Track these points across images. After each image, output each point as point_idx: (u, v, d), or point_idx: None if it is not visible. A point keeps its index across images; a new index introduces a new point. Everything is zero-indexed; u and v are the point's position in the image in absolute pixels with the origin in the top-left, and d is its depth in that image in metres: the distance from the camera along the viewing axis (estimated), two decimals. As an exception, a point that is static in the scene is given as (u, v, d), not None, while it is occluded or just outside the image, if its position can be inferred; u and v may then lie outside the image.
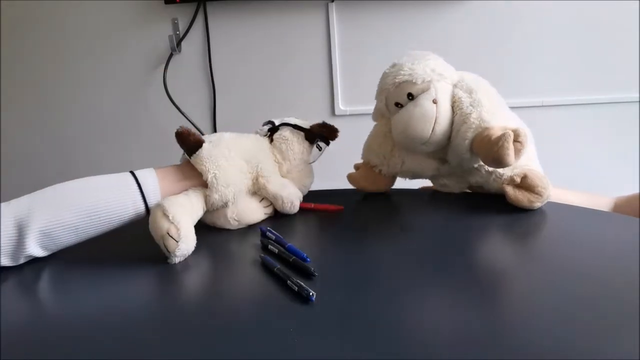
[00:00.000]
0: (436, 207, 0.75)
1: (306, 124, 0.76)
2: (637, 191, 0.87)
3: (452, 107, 0.70)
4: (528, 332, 0.40)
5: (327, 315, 0.45)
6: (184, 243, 0.56)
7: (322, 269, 0.53)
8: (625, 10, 1.41)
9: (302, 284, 0.49)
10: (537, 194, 0.67)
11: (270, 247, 0.60)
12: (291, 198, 0.70)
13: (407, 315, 0.44)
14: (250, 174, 0.68)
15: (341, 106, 1.56)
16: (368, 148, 0.81)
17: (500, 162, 0.62)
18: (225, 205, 0.66)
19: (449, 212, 0.71)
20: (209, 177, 0.63)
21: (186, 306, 0.49)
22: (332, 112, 1.57)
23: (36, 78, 1.61)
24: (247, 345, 0.41)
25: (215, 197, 0.63)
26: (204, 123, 1.60)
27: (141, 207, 0.60)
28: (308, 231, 0.68)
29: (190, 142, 0.64)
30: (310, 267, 0.53)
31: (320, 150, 0.76)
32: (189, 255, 0.59)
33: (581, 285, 0.47)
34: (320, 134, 0.75)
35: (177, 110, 1.55)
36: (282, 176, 0.73)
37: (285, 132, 0.74)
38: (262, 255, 0.58)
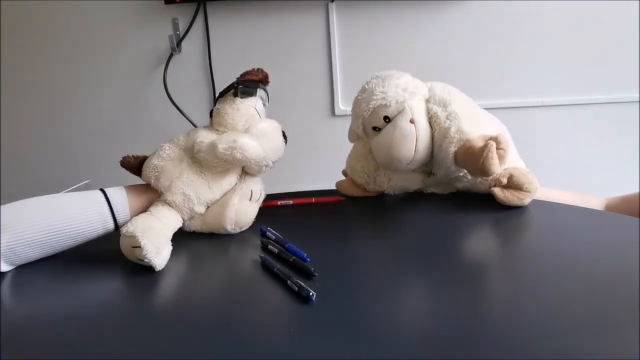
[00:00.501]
0: (432, 206, 0.75)
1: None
2: (636, 191, 0.87)
3: (430, 122, 0.71)
4: (524, 330, 0.40)
5: (327, 315, 0.45)
6: (157, 260, 0.56)
7: (322, 268, 0.53)
8: (625, 10, 1.41)
9: (302, 284, 0.49)
10: (525, 191, 0.68)
11: (270, 247, 0.60)
12: (229, 140, 0.64)
13: (407, 314, 0.44)
14: (191, 156, 0.67)
15: (341, 106, 1.56)
16: (351, 169, 0.81)
17: (486, 173, 0.63)
18: (188, 199, 0.64)
19: (445, 211, 0.71)
20: (152, 183, 0.65)
21: (187, 305, 0.49)
22: (332, 112, 1.57)
23: (36, 78, 1.61)
24: (247, 344, 0.41)
25: (168, 197, 0.64)
26: (204, 123, 1.60)
27: (110, 225, 0.61)
28: (306, 231, 0.68)
29: (132, 163, 0.67)
30: (310, 267, 0.53)
31: (253, 95, 0.70)
32: (191, 255, 0.61)
33: (574, 282, 0.47)
34: (243, 83, 0.70)
35: (177, 110, 1.55)
36: None
37: (216, 106, 0.71)
38: (262, 255, 0.58)
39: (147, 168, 0.65)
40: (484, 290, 0.48)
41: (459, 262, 0.55)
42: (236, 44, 1.54)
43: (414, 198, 0.80)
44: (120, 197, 0.62)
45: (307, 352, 0.39)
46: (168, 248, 0.59)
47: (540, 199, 0.72)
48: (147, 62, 1.58)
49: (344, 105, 1.56)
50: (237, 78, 0.70)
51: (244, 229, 0.67)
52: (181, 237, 0.65)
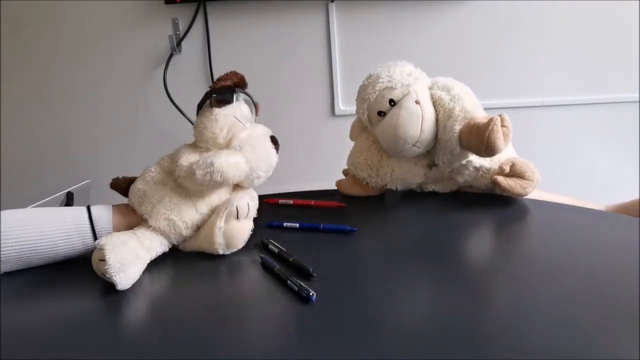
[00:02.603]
0: (432, 205, 0.75)
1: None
2: (635, 193, 0.88)
3: (434, 106, 0.72)
4: (525, 330, 0.40)
5: (327, 314, 0.45)
6: (118, 277, 0.52)
7: (322, 269, 0.53)
8: (625, 10, 1.41)
9: (302, 284, 0.49)
10: (527, 179, 0.69)
11: (270, 247, 0.60)
12: (206, 163, 0.57)
13: (407, 314, 0.44)
14: (174, 179, 0.61)
15: (341, 106, 1.56)
16: (353, 164, 0.80)
17: (492, 148, 0.63)
18: (173, 225, 0.60)
19: (445, 211, 0.71)
20: (136, 208, 0.61)
21: (187, 305, 0.49)
22: (332, 112, 1.57)
23: (36, 78, 1.61)
24: (248, 344, 0.41)
25: (152, 223, 0.59)
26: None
27: (90, 243, 0.58)
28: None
29: (121, 186, 0.64)
30: (309, 268, 0.53)
31: (230, 102, 0.63)
32: (190, 254, 0.61)
33: (574, 282, 0.47)
34: (216, 91, 0.63)
35: (177, 110, 1.55)
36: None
37: (195, 120, 0.66)
38: (262, 255, 0.58)
39: (132, 192, 0.62)
40: (484, 290, 0.48)
41: (459, 261, 0.55)
42: (236, 44, 1.54)
43: (414, 198, 0.80)
44: (105, 216, 0.59)
45: (308, 352, 0.39)
46: (137, 268, 0.54)
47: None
48: (147, 62, 1.58)
49: (344, 105, 1.56)
50: (210, 87, 0.64)
51: (238, 248, 0.61)
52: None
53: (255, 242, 0.63)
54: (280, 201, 0.78)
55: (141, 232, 0.59)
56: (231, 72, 0.65)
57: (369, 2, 1.47)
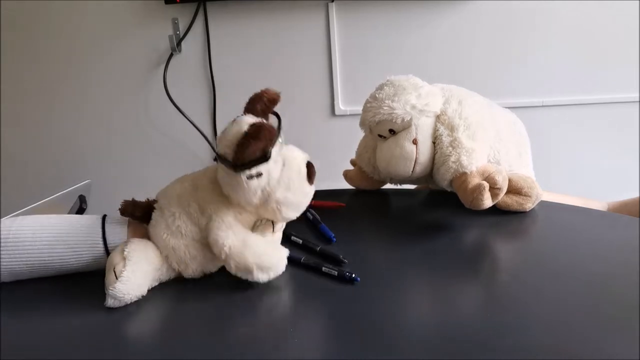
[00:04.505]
0: (435, 205, 0.75)
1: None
2: (636, 193, 0.88)
3: (434, 142, 0.71)
4: (525, 329, 0.40)
5: (334, 314, 0.44)
6: (122, 284, 0.49)
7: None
8: (625, 10, 1.41)
9: (338, 269, 0.51)
10: (524, 195, 0.68)
11: (293, 238, 0.61)
12: (239, 265, 0.51)
13: (408, 314, 0.44)
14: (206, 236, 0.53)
15: (341, 106, 1.56)
16: (360, 156, 0.83)
17: (476, 208, 0.63)
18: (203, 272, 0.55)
19: (447, 211, 0.71)
20: (163, 256, 0.54)
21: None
22: (332, 112, 1.57)
23: (36, 78, 1.61)
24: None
25: (182, 272, 0.54)
26: (204, 123, 1.60)
27: (102, 260, 0.54)
28: (309, 230, 0.67)
29: (133, 212, 0.55)
30: (339, 254, 0.55)
31: (261, 175, 0.50)
32: None
33: (575, 282, 0.47)
34: (245, 167, 0.49)
35: (177, 110, 1.55)
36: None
37: (219, 175, 0.54)
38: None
39: (156, 239, 0.54)
40: (486, 290, 0.48)
41: (459, 262, 0.55)
42: (236, 44, 1.54)
43: (417, 197, 0.80)
44: (119, 238, 0.54)
45: (310, 353, 0.39)
46: (144, 289, 0.52)
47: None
48: (147, 62, 1.58)
49: (344, 105, 1.56)
50: (235, 151, 0.48)
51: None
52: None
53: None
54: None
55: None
56: (259, 126, 0.49)
57: (369, 2, 1.47)
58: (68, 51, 1.58)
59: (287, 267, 0.52)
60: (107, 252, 0.53)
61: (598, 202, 0.88)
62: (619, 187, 1.50)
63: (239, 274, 0.51)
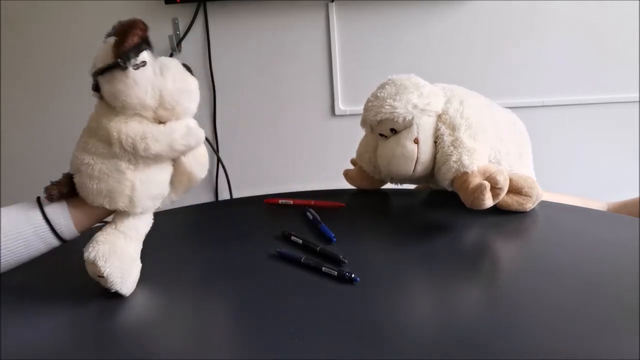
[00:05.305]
0: (436, 205, 0.75)
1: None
2: (636, 193, 0.88)
3: (435, 141, 0.71)
4: (526, 329, 0.40)
5: (335, 314, 0.45)
6: (124, 288, 0.52)
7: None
8: (625, 10, 1.41)
9: (338, 269, 0.51)
10: (525, 195, 0.68)
11: (293, 238, 0.61)
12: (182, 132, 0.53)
13: (408, 314, 0.44)
14: (127, 159, 0.54)
15: (341, 106, 1.56)
16: (360, 155, 0.82)
17: (477, 208, 0.63)
18: (155, 198, 0.56)
19: (448, 211, 0.71)
20: (108, 207, 0.54)
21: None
22: (332, 112, 1.57)
23: (36, 78, 1.61)
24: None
25: (137, 211, 0.55)
26: (204, 123, 1.60)
27: (56, 243, 0.53)
28: (309, 230, 0.67)
29: (64, 190, 0.54)
30: (339, 254, 0.55)
31: (145, 64, 0.53)
32: (210, 250, 0.59)
33: (576, 281, 0.47)
34: (127, 54, 0.51)
35: (177, 110, 1.55)
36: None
37: (103, 89, 0.54)
38: (279, 249, 0.58)
39: (91, 194, 0.53)
40: (486, 290, 0.48)
41: (460, 262, 0.55)
42: (236, 44, 1.54)
43: (417, 197, 0.80)
44: (62, 217, 0.53)
45: (312, 352, 0.39)
46: (136, 270, 0.54)
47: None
48: (147, 62, 1.58)
49: (344, 105, 1.56)
50: (114, 47, 0.51)
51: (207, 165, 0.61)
52: (190, 245, 0.64)
53: (266, 239, 0.63)
54: (280, 201, 0.78)
55: (123, 225, 0.55)
56: (131, 21, 0.54)
57: (369, 2, 1.47)
58: (68, 51, 1.58)
59: (287, 267, 0.52)
60: (57, 235, 0.53)
61: (598, 202, 0.88)
62: (619, 187, 1.50)
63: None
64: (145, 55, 0.53)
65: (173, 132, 0.53)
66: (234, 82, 1.56)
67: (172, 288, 0.54)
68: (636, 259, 0.51)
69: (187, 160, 0.58)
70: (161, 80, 0.53)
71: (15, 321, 0.49)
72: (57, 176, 0.55)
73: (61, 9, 1.54)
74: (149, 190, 0.55)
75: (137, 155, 0.52)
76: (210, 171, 1.65)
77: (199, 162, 0.59)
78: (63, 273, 0.58)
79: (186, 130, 0.54)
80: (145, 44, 0.53)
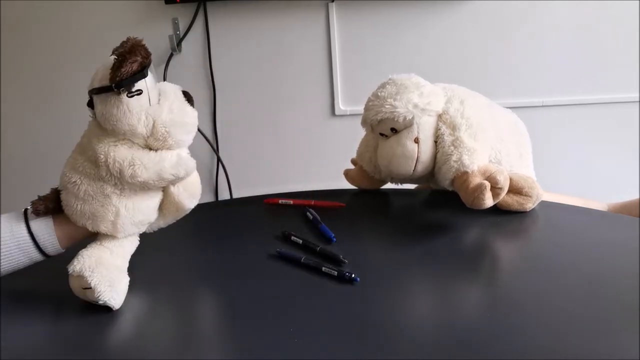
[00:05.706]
0: (436, 205, 0.75)
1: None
2: (636, 194, 0.88)
3: (436, 141, 0.71)
4: (527, 330, 0.40)
5: (337, 315, 0.44)
6: (113, 300, 0.50)
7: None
8: (625, 10, 1.41)
9: (338, 269, 0.51)
10: (525, 195, 0.68)
11: (293, 238, 0.62)
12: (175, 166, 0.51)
13: (409, 314, 0.44)
14: (114, 184, 0.52)
15: (341, 106, 1.56)
16: (361, 155, 0.82)
17: (477, 208, 0.63)
18: (140, 224, 0.55)
19: (448, 211, 0.71)
20: (90, 229, 0.53)
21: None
22: (332, 112, 1.57)
23: (36, 78, 1.61)
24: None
25: (119, 235, 0.54)
26: (204, 123, 1.60)
27: (38, 257, 0.52)
28: (309, 230, 0.67)
29: (51, 206, 0.53)
30: (339, 254, 0.55)
31: (141, 93, 0.51)
32: (209, 255, 0.59)
33: (576, 281, 0.47)
34: (123, 82, 0.50)
35: (177, 110, 1.55)
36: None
37: (96, 109, 0.54)
38: (279, 249, 0.58)
39: (75, 214, 0.52)
40: (486, 290, 0.48)
41: (460, 262, 0.55)
42: (236, 44, 1.54)
43: (417, 197, 0.80)
44: (47, 233, 0.52)
45: (313, 352, 0.39)
46: (124, 282, 0.52)
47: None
48: (147, 62, 1.58)
49: (344, 105, 1.56)
50: (111, 71, 0.51)
51: (199, 196, 0.58)
52: (190, 245, 0.64)
53: (266, 239, 0.63)
54: (280, 201, 0.78)
55: (108, 242, 0.54)
56: (132, 44, 0.53)
57: (369, 2, 1.47)
58: (68, 51, 1.58)
59: (287, 267, 0.52)
60: (41, 250, 0.52)
61: (598, 203, 0.88)
62: (619, 187, 1.50)
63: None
64: (142, 83, 0.51)
65: (163, 161, 0.51)
66: (234, 82, 1.56)
67: (172, 288, 0.54)
68: (636, 259, 0.51)
69: (176, 190, 0.55)
70: (156, 109, 0.52)
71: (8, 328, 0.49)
72: (55, 177, 0.55)
73: (61, 9, 1.54)
74: (133, 217, 0.53)
75: (123, 181, 0.51)
76: (210, 171, 1.65)
77: (189, 193, 0.56)
78: (53, 283, 0.57)
79: (177, 160, 0.52)
80: (144, 71, 0.51)
